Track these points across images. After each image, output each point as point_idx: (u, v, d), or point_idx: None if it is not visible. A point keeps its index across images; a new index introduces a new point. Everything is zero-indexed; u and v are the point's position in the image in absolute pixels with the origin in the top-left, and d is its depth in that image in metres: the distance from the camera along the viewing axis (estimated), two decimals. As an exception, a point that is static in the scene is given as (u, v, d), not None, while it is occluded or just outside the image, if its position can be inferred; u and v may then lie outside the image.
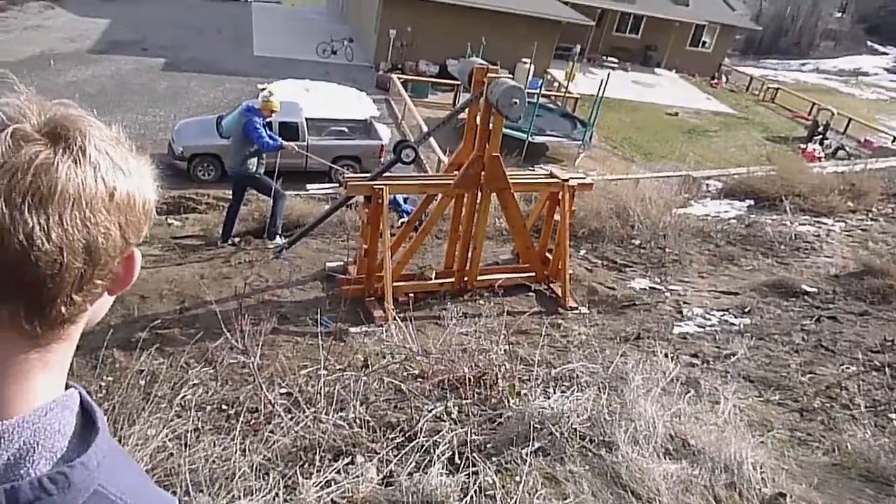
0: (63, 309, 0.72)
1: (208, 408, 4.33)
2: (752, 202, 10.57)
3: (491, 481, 3.52)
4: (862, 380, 5.49)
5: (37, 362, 0.74)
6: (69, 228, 0.68)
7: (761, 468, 3.84)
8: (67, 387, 0.79)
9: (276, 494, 3.30)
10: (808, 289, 7.40)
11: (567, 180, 7.07)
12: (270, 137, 7.99)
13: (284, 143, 8.11)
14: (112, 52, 20.36)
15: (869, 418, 4.80)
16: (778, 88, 30.00)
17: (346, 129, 14.39)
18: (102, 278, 0.75)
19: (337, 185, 11.71)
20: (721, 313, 6.90)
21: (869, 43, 46.40)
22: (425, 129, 11.09)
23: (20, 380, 0.73)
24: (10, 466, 0.68)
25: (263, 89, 8.52)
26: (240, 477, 3.39)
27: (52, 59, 18.64)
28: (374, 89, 19.95)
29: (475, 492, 3.43)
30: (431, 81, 21.67)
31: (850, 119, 23.98)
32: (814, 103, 25.50)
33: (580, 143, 17.71)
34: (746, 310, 6.96)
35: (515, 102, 6.07)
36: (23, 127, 0.69)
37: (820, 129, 22.50)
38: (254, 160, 7.98)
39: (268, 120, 8.07)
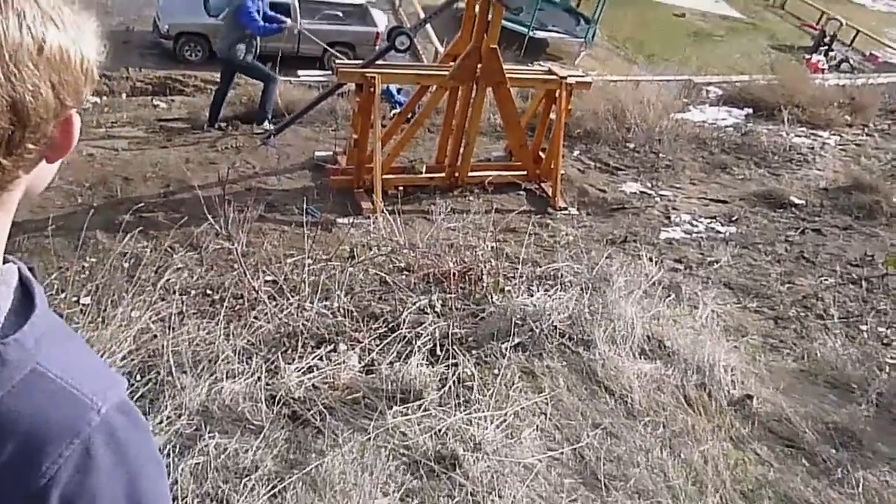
0: None
1: (193, 292, 4.36)
2: (750, 111, 10.38)
3: (470, 373, 3.62)
4: (838, 291, 5.59)
5: None
6: None
7: (732, 371, 3.97)
8: (6, 262, 0.74)
9: (259, 377, 3.38)
10: (797, 201, 7.41)
11: (565, 78, 6.87)
12: (267, 20, 7.62)
13: (283, 23, 7.71)
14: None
15: (841, 328, 4.91)
16: (789, -7, 28.89)
17: (341, 14, 13.83)
18: (35, 143, 0.68)
19: (329, 72, 11.38)
20: (708, 221, 6.92)
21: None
22: (422, 16, 10.66)
23: None
24: None
25: None
26: (223, 360, 3.45)
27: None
28: (370, -28, 18.99)
29: (454, 382, 3.53)
30: (431, -34, 20.68)
31: (857, 31, 23.22)
32: (823, 12, 24.61)
33: (582, 40, 17.15)
34: (734, 218, 6.99)
35: (516, -8, 5.81)
36: None
37: (826, 39, 21.83)
38: (243, 45, 7.63)
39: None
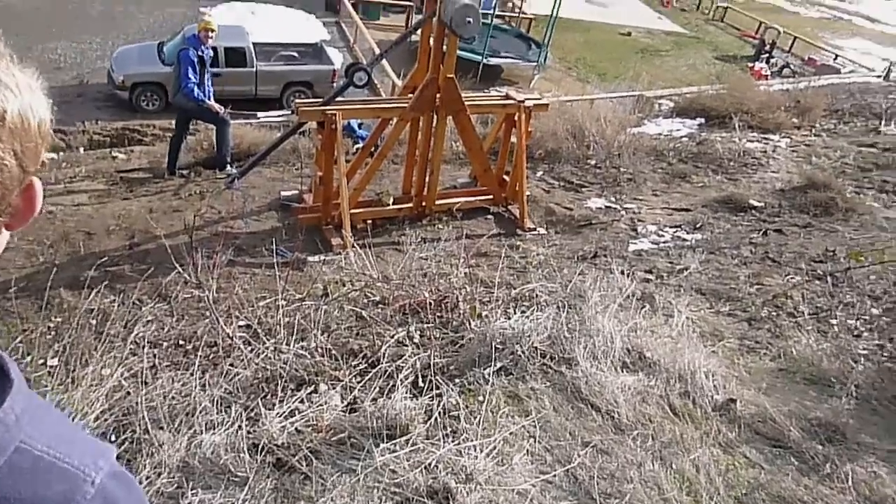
0: None
1: (164, 344, 4.26)
2: (703, 120, 10.64)
3: (455, 402, 3.59)
4: (806, 288, 5.68)
5: None
6: None
7: (713, 376, 3.99)
8: None
9: (240, 426, 3.30)
10: (756, 203, 7.57)
11: (523, 101, 6.97)
12: (203, 83, 7.48)
13: (207, 102, 7.55)
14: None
15: (812, 324, 5.00)
16: (727, 7, 29.83)
17: (296, 54, 13.90)
18: (0, 213, 0.67)
19: (289, 111, 11.39)
20: (674, 230, 7.03)
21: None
22: (378, 51, 10.75)
23: None
24: None
25: (204, 14, 8.03)
26: (201, 411, 3.37)
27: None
28: (323, 12, 19.12)
29: (439, 413, 3.49)
30: (383, 3, 20.86)
31: (794, 38, 24.16)
32: (761, 22, 25.55)
33: (535, 64, 17.47)
34: (698, 225, 7.10)
35: (469, 21, 5.88)
36: None
37: (766, 47, 22.73)
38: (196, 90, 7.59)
39: (210, 45, 7.61)
